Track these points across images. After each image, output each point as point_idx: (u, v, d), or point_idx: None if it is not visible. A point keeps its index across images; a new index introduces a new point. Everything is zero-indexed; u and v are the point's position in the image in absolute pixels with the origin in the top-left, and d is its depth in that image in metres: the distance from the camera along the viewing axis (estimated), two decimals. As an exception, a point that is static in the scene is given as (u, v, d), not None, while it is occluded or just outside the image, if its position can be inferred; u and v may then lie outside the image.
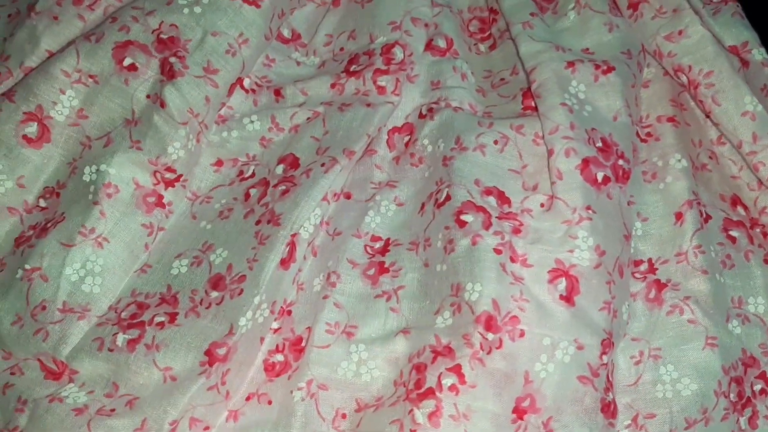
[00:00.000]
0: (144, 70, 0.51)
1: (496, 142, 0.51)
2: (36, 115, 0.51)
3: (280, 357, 0.48)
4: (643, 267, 0.51)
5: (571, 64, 0.52)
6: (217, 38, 0.52)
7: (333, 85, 0.54)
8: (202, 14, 0.52)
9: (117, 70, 0.51)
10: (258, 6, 0.53)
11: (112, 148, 0.51)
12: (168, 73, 0.51)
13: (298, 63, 0.57)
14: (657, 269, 0.51)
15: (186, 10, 0.52)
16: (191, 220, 0.52)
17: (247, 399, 0.47)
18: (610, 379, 0.46)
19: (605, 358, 0.46)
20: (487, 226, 0.47)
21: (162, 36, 0.52)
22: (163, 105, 0.50)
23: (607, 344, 0.46)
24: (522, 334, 0.44)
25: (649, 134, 0.56)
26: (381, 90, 0.53)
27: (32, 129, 0.51)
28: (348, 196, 0.52)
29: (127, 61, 0.51)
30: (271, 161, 0.53)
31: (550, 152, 0.49)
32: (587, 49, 0.55)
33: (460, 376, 0.43)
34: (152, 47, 0.51)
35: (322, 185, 0.49)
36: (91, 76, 0.51)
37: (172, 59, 0.51)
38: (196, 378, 0.44)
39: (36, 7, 0.54)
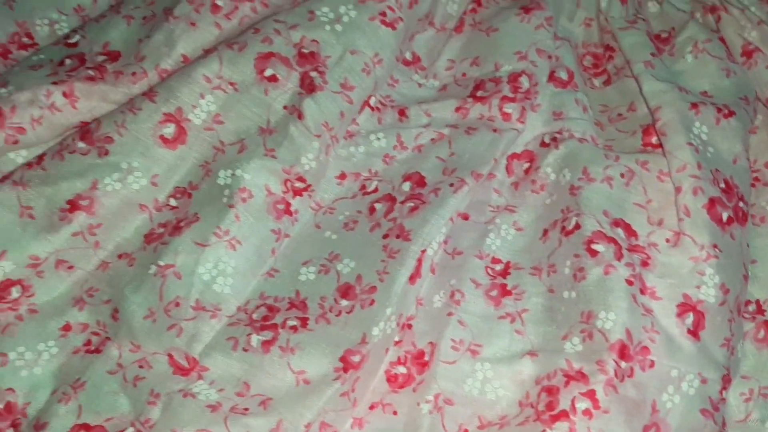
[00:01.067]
0: (284, 81, 0.53)
1: (622, 176, 0.52)
2: (175, 116, 0.52)
3: (402, 369, 0.49)
4: (752, 308, 0.53)
5: (694, 105, 0.54)
6: (354, 56, 0.54)
7: (458, 109, 0.56)
8: (343, 32, 0.54)
9: (258, 80, 0.53)
10: (394, 28, 0.55)
11: (247, 154, 0.52)
12: (308, 86, 0.53)
13: (420, 85, 0.59)
14: (765, 311, 0.53)
15: (327, 27, 0.54)
16: (315, 229, 0.53)
17: (371, 408, 0.48)
18: (724, 414, 0.48)
19: (725, 393, 0.47)
20: (619, 257, 0.48)
21: (303, 50, 0.53)
22: (300, 117, 0.52)
23: (727, 380, 0.47)
24: (652, 365, 0.46)
25: (756, 179, 0.57)
26: (506, 116, 0.55)
27: (170, 130, 0.52)
28: (465, 217, 0.54)
29: (268, 72, 0.53)
30: (394, 178, 0.54)
31: (677, 189, 0.51)
32: (705, 92, 0.57)
33: (594, 401, 0.44)
34: (293, 60, 0.53)
35: (451, 205, 0.51)
36: (231, 84, 0.53)
37: (313, 73, 0.53)
38: (331, 383, 0.45)
39: (174, 11, 0.56)
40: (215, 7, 0.55)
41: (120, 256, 0.52)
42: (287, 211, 0.52)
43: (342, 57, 0.54)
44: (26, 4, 0.59)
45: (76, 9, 0.61)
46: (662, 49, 0.60)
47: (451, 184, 0.52)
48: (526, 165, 0.55)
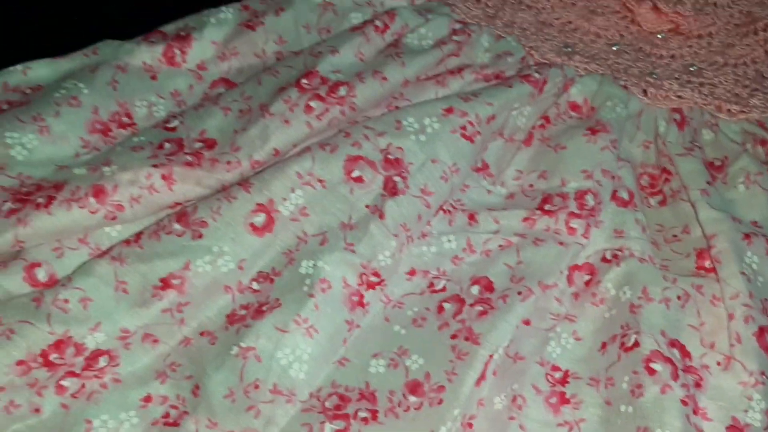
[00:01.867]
0: (369, 183, 0.57)
1: (679, 298, 0.56)
2: (266, 207, 0.56)
3: (463, 467, 0.51)
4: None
5: (747, 236, 0.58)
6: (435, 165, 0.58)
7: (525, 219, 0.60)
8: (426, 142, 0.58)
9: (345, 180, 0.57)
10: (472, 141, 0.60)
11: (328, 246, 0.56)
12: (391, 189, 0.57)
13: (489, 191, 0.63)
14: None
15: (413, 137, 0.58)
16: (384, 322, 0.57)
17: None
18: None
19: None
20: (675, 377, 0.51)
21: (389, 156, 0.58)
22: (382, 216, 0.56)
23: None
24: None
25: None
26: (571, 231, 0.59)
27: (260, 219, 0.56)
28: (527, 323, 0.57)
29: (355, 173, 0.57)
30: (462, 279, 0.58)
31: (730, 316, 0.54)
32: (756, 222, 0.61)
33: None
34: (379, 165, 0.57)
35: (518, 312, 0.54)
36: (320, 181, 0.57)
37: (396, 178, 0.57)
38: (400, 477, 0.48)
39: (270, 109, 0.60)
40: (308, 108, 0.60)
41: (202, 334, 0.55)
42: (360, 303, 0.56)
43: (424, 164, 0.58)
44: (128, 86, 0.64)
45: (173, 93, 0.65)
46: (716, 176, 0.64)
47: (519, 293, 0.55)
48: (587, 277, 0.59)
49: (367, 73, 0.63)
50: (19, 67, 0.64)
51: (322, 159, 0.57)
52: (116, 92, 0.63)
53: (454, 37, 0.67)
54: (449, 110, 0.60)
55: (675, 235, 0.62)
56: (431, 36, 0.68)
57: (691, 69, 0.73)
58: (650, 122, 0.67)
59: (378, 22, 0.67)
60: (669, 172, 0.65)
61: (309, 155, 0.57)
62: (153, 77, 0.65)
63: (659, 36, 0.76)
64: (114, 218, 0.57)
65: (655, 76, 0.71)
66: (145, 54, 0.65)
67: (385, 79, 0.63)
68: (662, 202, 0.64)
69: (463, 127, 0.60)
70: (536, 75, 0.64)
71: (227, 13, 0.68)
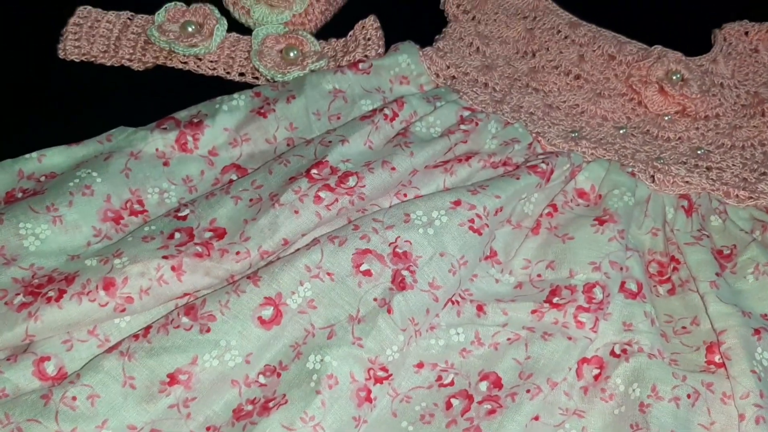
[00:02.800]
0: (378, 276, 0.57)
1: (689, 396, 0.55)
2: (274, 300, 0.57)
3: None
4: None
5: (757, 332, 0.58)
6: (443, 258, 0.58)
7: (534, 311, 0.59)
8: (434, 235, 0.59)
9: (353, 273, 0.57)
10: (480, 234, 0.60)
11: (336, 340, 0.56)
12: (399, 284, 0.57)
13: (497, 280, 0.63)
14: None
15: (421, 230, 0.59)
16: (392, 417, 0.56)
17: None
18: None
19: None
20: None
21: (398, 250, 0.58)
22: (390, 311, 0.56)
23: None
24: None
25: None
26: (580, 325, 0.58)
27: (268, 312, 0.56)
28: (536, 418, 0.56)
29: (363, 267, 0.57)
30: (470, 373, 0.58)
31: (741, 416, 0.54)
32: (766, 315, 0.60)
33: None
34: (388, 258, 0.58)
35: (527, 411, 0.54)
36: (328, 274, 0.57)
37: (405, 272, 0.57)
38: None
39: (281, 199, 0.61)
40: (318, 198, 0.61)
41: (208, 429, 0.55)
42: (368, 399, 0.55)
43: (432, 258, 0.58)
44: (140, 173, 0.65)
45: (185, 179, 0.66)
46: (725, 266, 0.64)
47: (528, 390, 0.55)
48: (596, 371, 0.59)
49: (377, 163, 0.63)
50: (34, 154, 0.66)
51: (331, 252, 0.58)
52: (129, 180, 0.64)
53: (462, 126, 0.68)
54: (457, 203, 0.61)
55: (684, 327, 0.61)
56: (439, 124, 0.69)
57: (699, 152, 0.74)
58: (658, 209, 0.68)
59: (387, 111, 0.68)
60: (677, 261, 0.65)
61: (318, 248, 0.58)
62: (165, 163, 0.66)
63: (666, 118, 0.76)
64: (123, 310, 0.57)
65: (662, 160, 0.71)
66: (158, 141, 0.66)
67: (393, 169, 0.63)
68: (671, 291, 0.64)
69: (471, 220, 0.60)
70: (543, 166, 0.65)
71: (239, 100, 0.70)
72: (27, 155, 0.66)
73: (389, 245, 0.58)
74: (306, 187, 0.61)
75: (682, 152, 0.73)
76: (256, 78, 0.76)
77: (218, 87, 0.74)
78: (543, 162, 0.65)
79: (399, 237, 0.59)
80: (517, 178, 0.64)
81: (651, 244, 0.66)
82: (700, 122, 0.77)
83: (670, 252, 0.65)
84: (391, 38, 0.78)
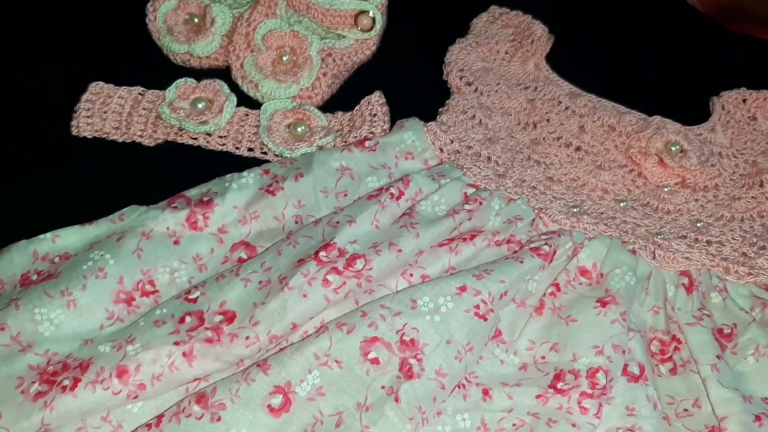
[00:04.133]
0: (385, 364, 0.58)
1: (692, 488, 0.56)
2: (283, 388, 0.58)
3: None
4: None
5: (758, 418, 0.59)
6: (449, 346, 0.60)
7: (538, 396, 0.61)
8: (441, 322, 0.60)
9: (361, 361, 0.58)
10: (485, 320, 0.61)
11: (343, 428, 0.57)
12: (407, 372, 0.58)
13: (502, 362, 0.64)
14: None
15: (428, 317, 0.60)
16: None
17: None
18: None
19: None
20: None
21: (405, 337, 0.59)
22: (398, 400, 0.57)
23: None
24: None
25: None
26: (583, 410, 0.59)
27: (277, 401, 0.57)
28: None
29: (371, 355, 0.59)
30: (474, 457, 0.59)
31: (743, 506, 0.55)
32: (767, 398, 0.61)
33: None
34: (395, 346, 0.59)
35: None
36: (337, 362, 0.58)
37: (412, 360, 0.58)
38: None
39: (290, 282, 0.62)
40: (326, 282, 0.62)
41: None
42: (376, 488, 0.57)
43: (438, 345, 0.59)
44: (152, 253, 0.66)
45: (195, 258, 0.68)
46: (725, 346, 0.65)
47: (535, 479, 0.56)
48: (599, 453, 0.60)
49: (384, 245, 0.65)
50: (48, 235, 0.67)
51: (339, 340, 0.59)
52: (140, 260, 0.66)
53: (467, 206, 0.69)
54: (463, 288, 0.62)
55: (686, 409, 0.62)
56: (444, 202, 0.70)
57: (699, 225, 0.75)
58: (659, 286, 0.69)
59: (393, 189, 0.70)
60: (679, 341, 0.66)
61: (327, 335, 0.59)
62: (176, 242, 0.67)
63: (666, 189, 0.78)
64: (136, 397, 0.58)
65: (662, 235, 0.73)
66: (169, 220, 0.68)
67: (400, 251, 0.65)
68: (673, 371, 0.65)
69: (477, 306, 0.61)
70: (546, 248, 0.66)
71: (249, 177, 0.71)
72: (41, 236, 0.67)
73: (397, 332, 0.59)
74: (314, 271, 0.62)
75: (682, 225, 0.75)
76: (265, 153, 0.77)
77: (227, 162, 0.75)
78: (545, 244, 0.67)
79: (406, 324, 0.60)
80: (521, 262, 0.65)
81: (653, 322, 0.67)
82: (699, 193, 0.78)
83: (671, 331, 0.67)
84: (396, 108, 0.80)
